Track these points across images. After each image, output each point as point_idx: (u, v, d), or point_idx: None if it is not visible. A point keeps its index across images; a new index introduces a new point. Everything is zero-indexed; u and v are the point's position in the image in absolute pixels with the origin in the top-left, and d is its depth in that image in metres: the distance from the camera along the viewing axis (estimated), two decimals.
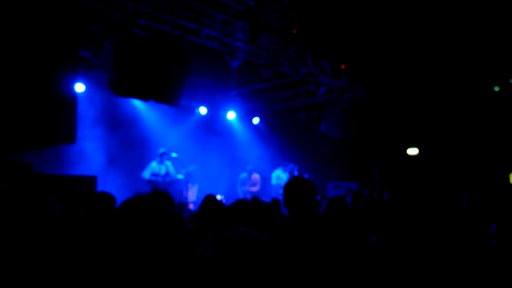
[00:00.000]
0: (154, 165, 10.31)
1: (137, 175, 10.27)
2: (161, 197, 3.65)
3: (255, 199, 5.84)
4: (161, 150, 10.50)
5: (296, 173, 11.82)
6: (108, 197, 3.49)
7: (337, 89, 11.78)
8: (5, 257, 2.70)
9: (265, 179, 12.46)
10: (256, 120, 14.12)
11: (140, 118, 11.70)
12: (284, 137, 14.24)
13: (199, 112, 12.89)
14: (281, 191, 7.45)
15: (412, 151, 12.39)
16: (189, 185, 10.34)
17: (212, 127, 13.36)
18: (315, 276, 2.78)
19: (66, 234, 3.41)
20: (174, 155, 10.40)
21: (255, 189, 12.07)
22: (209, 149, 13.10)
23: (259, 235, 2.62)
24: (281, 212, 5.88)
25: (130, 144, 11.18)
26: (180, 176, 10.56)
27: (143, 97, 8.85)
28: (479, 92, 11.40)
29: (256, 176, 12.28)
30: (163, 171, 10.33)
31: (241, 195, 11.58)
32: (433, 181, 10.98)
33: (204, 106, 12.80)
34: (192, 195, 11.12)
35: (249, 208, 4.16)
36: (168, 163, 10.47)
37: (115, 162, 10.63)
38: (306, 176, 11.40)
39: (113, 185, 9.33)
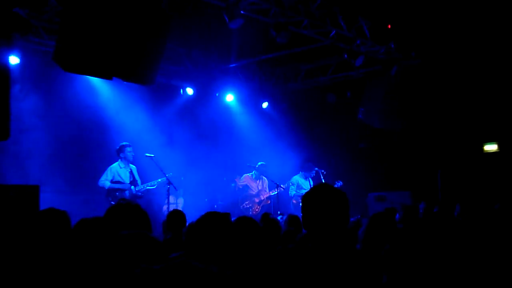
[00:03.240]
0: (116, 168, 10.36)
1: (93, 182, 10.33)
2: (130, 214, 3.70)
3: (267, 216, 5.90)
4: (122, 144, 10.49)
5: (322, 180, 11.84)
6: (60, 216, 3.53)
7: (381, 59, 11.79)
8: None
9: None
10: (265, 105, 14.12)
11: (98, 102, 11.69)
12: (305, 128, 14.25)
13: (184, 93, 12.89)
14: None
15: (491, 147, 12.35)
16: (171, 197, 10.31)
17: (203, 114, 13.37)
18: None
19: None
20: (148, 154, 10.38)
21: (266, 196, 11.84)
22: (198, 145, 13.11)
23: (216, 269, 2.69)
24: (302, 232, 5.94)
25: (84, 140, 11.21)
26: (151, 186, 10.52)
27: (104, 75, 8.89)
28: None
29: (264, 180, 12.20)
30: (128, 177, 10.34)
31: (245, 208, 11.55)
32: None
33: (191, 85, 12.78)
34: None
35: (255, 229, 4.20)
36: (132, 166, 10.51)
37: (63, 165, 10.65)
38: (339, 184, 11.43)
39: (61, 197, 9.38)
